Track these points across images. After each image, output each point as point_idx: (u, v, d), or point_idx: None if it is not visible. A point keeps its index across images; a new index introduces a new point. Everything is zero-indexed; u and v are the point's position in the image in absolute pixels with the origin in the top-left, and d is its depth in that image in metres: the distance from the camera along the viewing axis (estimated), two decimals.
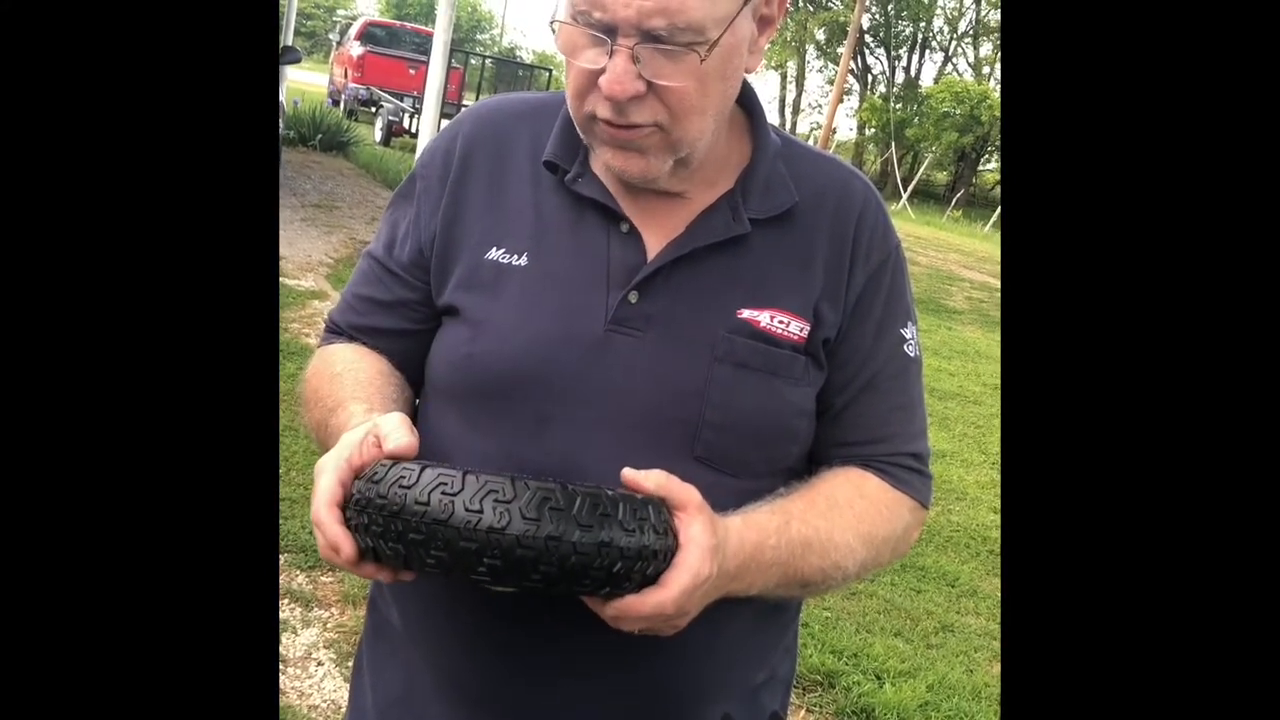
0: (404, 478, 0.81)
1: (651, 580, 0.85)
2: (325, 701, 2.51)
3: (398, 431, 0.88)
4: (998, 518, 4.62)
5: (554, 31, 0.95)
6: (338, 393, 1.04)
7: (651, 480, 0.87)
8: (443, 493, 0.79)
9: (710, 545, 0.87)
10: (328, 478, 0.86)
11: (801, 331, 1.02)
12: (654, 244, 1.02)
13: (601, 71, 0.90)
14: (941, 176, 32.44)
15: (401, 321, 1.10)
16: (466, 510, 0.79)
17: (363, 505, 0.83)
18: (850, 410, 1.06)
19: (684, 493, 0.87)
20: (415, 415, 1.10)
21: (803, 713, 2.85)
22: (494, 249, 1.03)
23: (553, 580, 0.80)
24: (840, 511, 1.01)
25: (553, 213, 1.03)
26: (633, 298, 1.00)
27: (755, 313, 1.01)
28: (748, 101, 1.07)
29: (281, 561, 3.04)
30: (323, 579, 3.00)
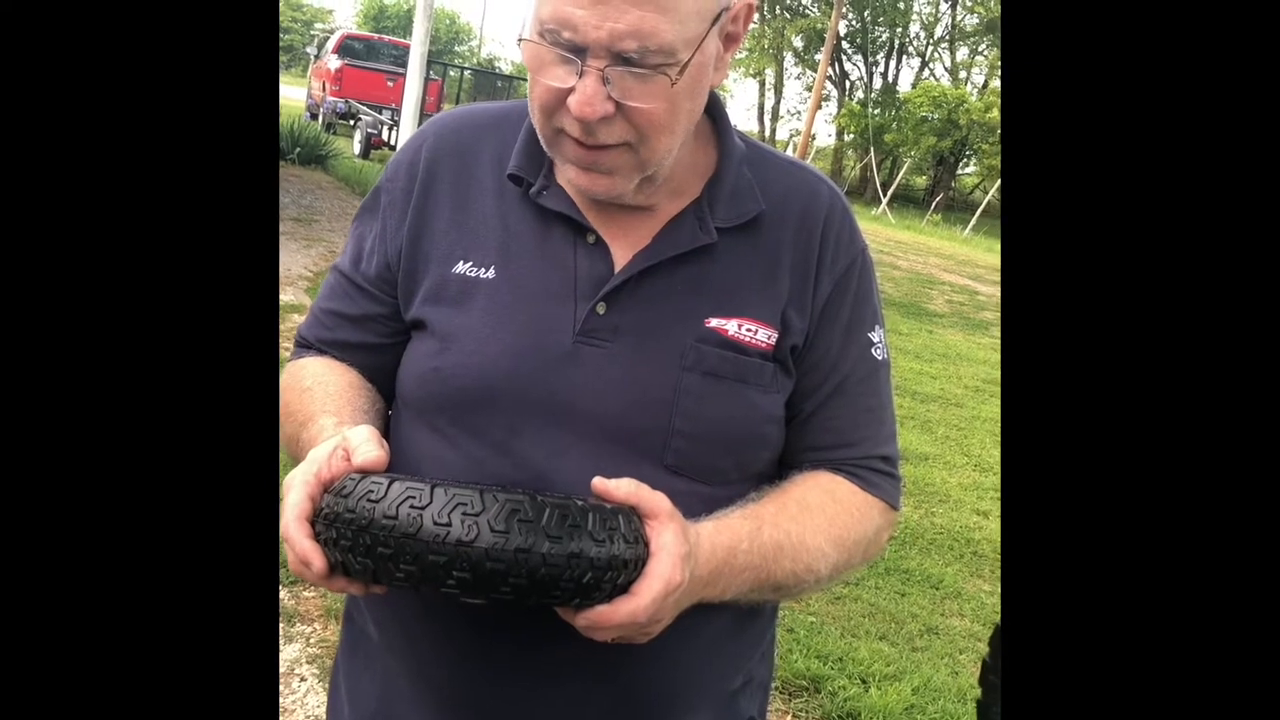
0: (372, 491, 0.81)
1: (623, 590, 0.85)
2: (309, 717, 2.50)
3: (366, 445, 0.89)
4: (981, 520, 4.64)
5: (522, 49, 0.95)
6: (308, 406, 1.04)
7: (621, 489, 0.87)
8: (411, 506, 0.79)
9: (682, 553, 0.87)
10: (296, 492, 0.86)
11: (769, 339, 1.02)
12: (621, 255, 1.02)
13: (570, 90, 0.90)
14: (920, 181, 32.62)
15: (370, 336, 1.10)
16: (435, 524, 0.78)
17: (331, 519, 0.83)
18: (820, 415, 1.06)
19: (654, 501, 0.88)
20: (388, 426, 1.10)
21: (789, 718, 2.85)
22: (461, 263, 1.03)
23: (523, 592, 0.80)
24: (812, 515, 1.02)
25: (519, 225, 1.03)
26: (600, 309, 1.00)
27: (723, 321, 1.01)
28: (712, 108, 1.07)
29: None
30: (305, 594, 2.99)
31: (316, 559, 0.84)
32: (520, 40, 0.93)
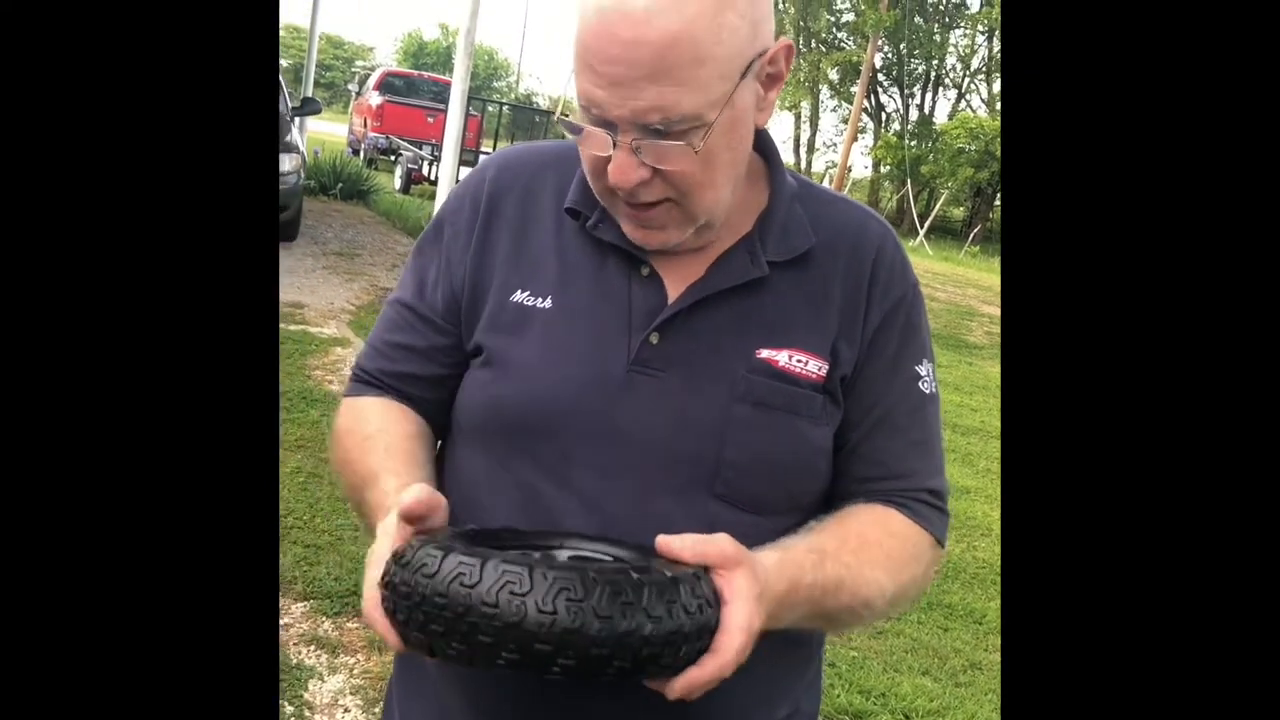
0: (426, 565, 0.81)
1: (691, 659, 0.83)
2: None
3: (412, 503, 0.88)
4: None
5: (558, 126, 1.00)
6: (369, 462, 1.04)
7: (686, 550, 0.85)
8: (511, 592, 0.78)
9: (756, 594, 0.86)
10: (375, 571, 0.86)
11: (820, 370, 1.03)
12: (674, 286, 1.04)
13: (609, 158, 0.94)
14: (958, 212, 32.44)
15: (436, 368, 1.11)
16: (539, 611, 0.77)
17: (418, 601, 0.81)
18: (866, 445, 1.07)
19: (718, 551, 0.86)
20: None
21: None
22: (519, 291, 1.06)
23: (625, 672, 0.79)
24: (870, 549, 1.01)
25: (576, 257, 1.06)
26: (654, 339, 1.02)
27: (774, 353, 1.02)
28: (764, 147, 1.10)
29: (307, 608, 3.05)
30: (349, 625, 3.01)
31: (394, 639, 0.84)
32: (557, 120, 0.99)
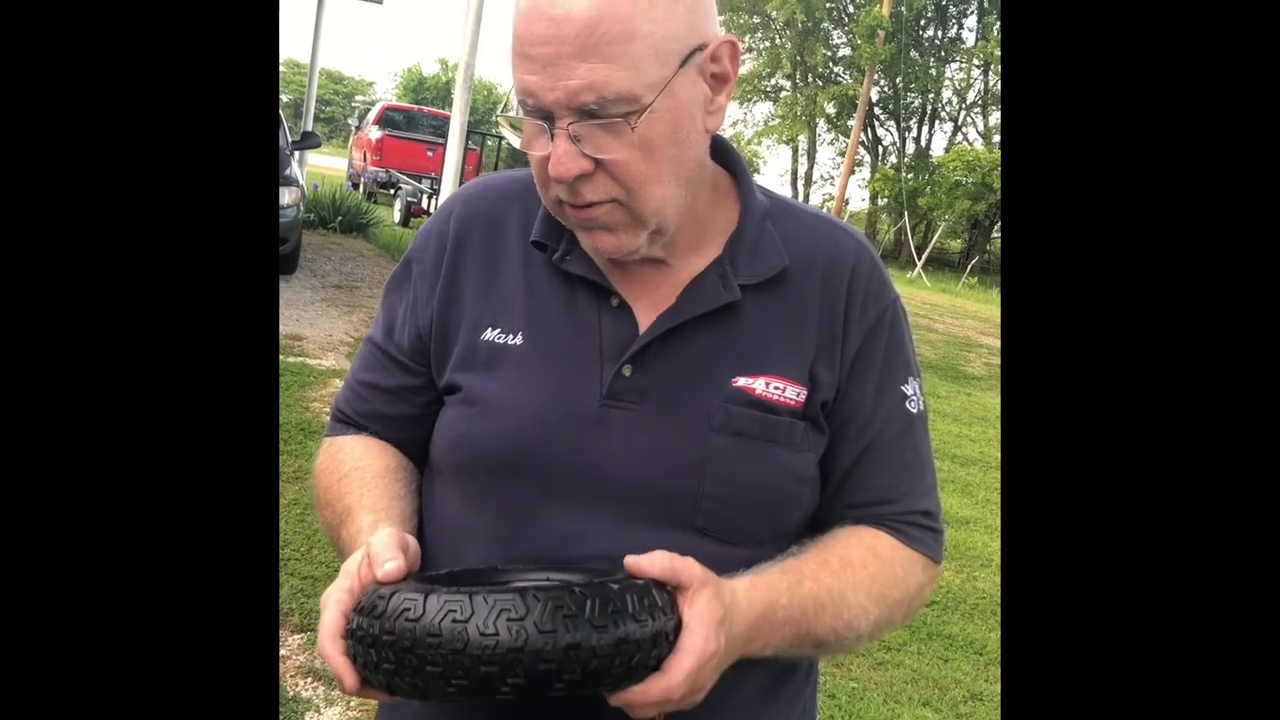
0: (376, 607, 0.83)
1: (654, 666, 0.84)
2: None
3: (385, 553, 0.90)
4: None
5: (500, 124, 0.99)
6: (345, 498, 1.05)
7: (657, 566, 0.86)
8: (406, 618, 0.80)
9: (716, 619, 0.86)
10: (330, 611, 0.88)
11: (798, 396, 1.02)
12: (645, 316, 1.03)
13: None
14: (955, 244, 32.49)
15: (407, 408, 1.11)
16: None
17: (369, 642, 0.83)
18: (857, 471, 1.05)
19: (686, 572, 0.87)
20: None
21: None
22: (489, 329, 1.05)
23: (522, 690, 0.79)
24: (853, 571, 1.00)
25: (545, 291, 1.05)
26: (626, 371, 1.00)
27: (750, 380, 1.01)
28: (731, 164, 1.08)
29: (304, 640, 3.04)
30: None
31: (348, 676, 0.85)
32: (497, 117, 0.97)
